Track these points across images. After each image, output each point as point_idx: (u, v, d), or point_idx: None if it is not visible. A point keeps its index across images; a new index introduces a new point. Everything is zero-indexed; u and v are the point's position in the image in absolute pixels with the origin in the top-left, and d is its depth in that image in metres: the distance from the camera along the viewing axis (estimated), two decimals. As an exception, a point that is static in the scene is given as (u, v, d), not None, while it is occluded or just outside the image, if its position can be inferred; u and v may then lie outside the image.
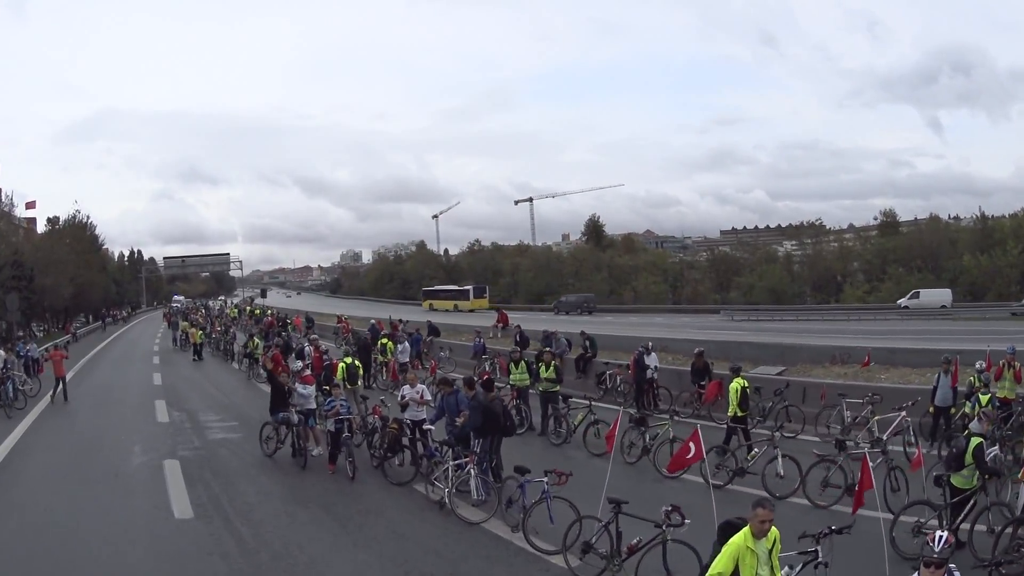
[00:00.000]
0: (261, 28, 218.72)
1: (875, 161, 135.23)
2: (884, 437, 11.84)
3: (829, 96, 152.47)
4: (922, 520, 8.17)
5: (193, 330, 34.02)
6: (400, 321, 30.44)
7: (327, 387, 14.06)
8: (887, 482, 9.52)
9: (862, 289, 58.52)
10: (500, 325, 34.62)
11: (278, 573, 7.94)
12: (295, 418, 12.80)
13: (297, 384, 13.44)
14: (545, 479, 8.59)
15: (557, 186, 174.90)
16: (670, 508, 6.98)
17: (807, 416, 14.25)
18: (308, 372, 15.16)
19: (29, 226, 57.19)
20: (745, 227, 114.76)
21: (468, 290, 66.54)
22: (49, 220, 61.28)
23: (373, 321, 30.33)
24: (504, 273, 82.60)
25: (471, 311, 59.55)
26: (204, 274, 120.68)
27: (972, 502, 8.16)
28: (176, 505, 10.21)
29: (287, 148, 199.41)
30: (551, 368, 14.52)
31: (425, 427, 11.70)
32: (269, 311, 50.42)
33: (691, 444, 7.87)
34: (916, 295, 46.43)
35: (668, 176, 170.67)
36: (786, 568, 6.07)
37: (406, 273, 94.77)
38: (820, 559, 6.33)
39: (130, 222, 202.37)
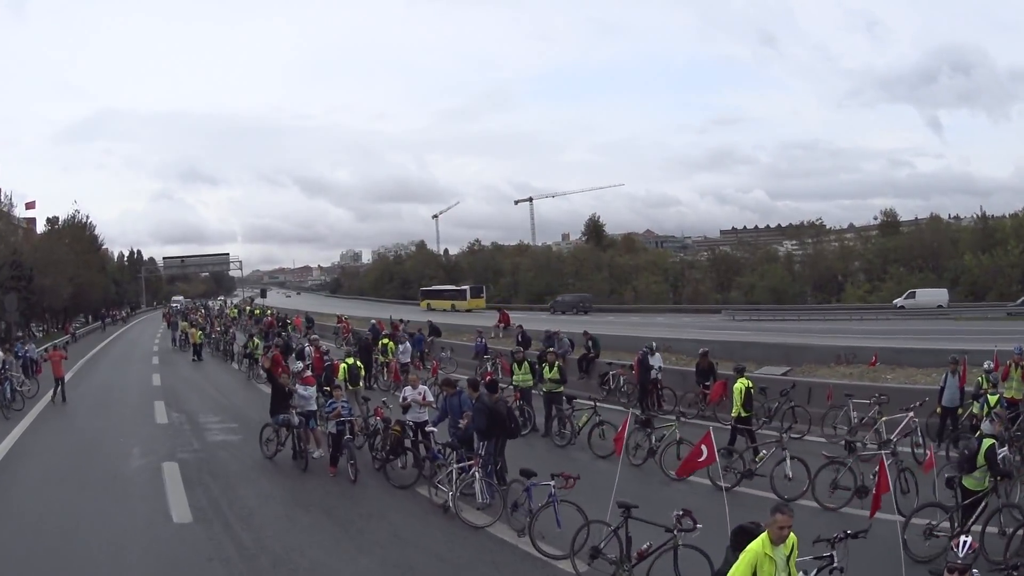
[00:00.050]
0: (261, 28, 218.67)
1: (875, 161, 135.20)
2: (892, 438, 11.69)
3: (829, 96, 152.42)
4: (933, 522, 8.08)
5: (193, 330, 33.87)
6: (401, 321, 30.28)
7: (328, 388, 13.90)
8: (897, 484, 9.37)
9: (863, 289, 58.44)
10: (501, 325, 34.46)
11: (279, 579, 7.78)
12: (296, 420, 12.63)
13: (298, 385, 13.28)
14: (552, 482, 8.42)
15: (557, 186, 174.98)
16: (681, 512, 6.82)
17: (813, 417, 14.10)
18: (309, 373, 14.99)
19: (28, 226, 57.02)
20: (745, 227, 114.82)
21: (465, 290, 67.07)
22: (48, 220, 61.26)
23: (374, 321, 30.17)
24: (504, 273, 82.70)
25: (468, 311, 60.17)
26: (204, 274, 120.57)
27: (984, 504, 8.07)
28: (175, 509, 10.04)
29: (287, 148, 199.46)
30: (555, 368, 14.36)
31: (428, 429, 11.52)
32: (269, 311, 50.32)
33: (703, 447, 7.69)
34: (912, 295, 46.46)
35: (668, 176, 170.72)
36: (801, 574, 5.91)
37: (406, 273, 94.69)
38: (835, 564, 6.20)
39: (130, 222, 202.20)
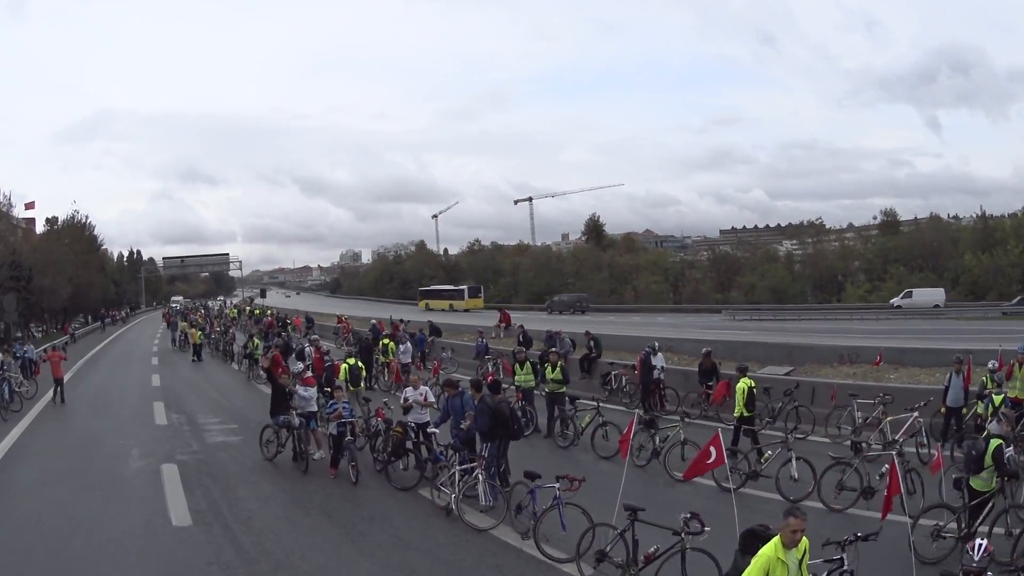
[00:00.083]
0: (260, 28, 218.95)
1: (874, 161, 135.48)
2: (898, 438, 11.61)
3: (828, 96, 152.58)
4: (941, 523, 8.02)
5: (192, 330, 33.76)
6: (401, 321, 30.18)
7: (329, 389, 13.79)
8: (904, 485, 9.26)
9: (864, 288, 58.43)
10: (502, 325, 34.34)
11: (280, 584, 7.68)
12: (296, 421, 12.51)
13: (298, 386, 13.16)
14: (557, 485, 8.31)
15: (556, 186, 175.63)
16: (689, 515, 6.71)
17: (817, 417, 14.02)
18: (309, 374, 14.88)
19: (28, 226, 56.89)
20: (745, 227, 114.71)
21: (463, 290, 67.47)
22: (48, 220, 61.09)
23: (374, 321, 30.06)
24: (504, 273, 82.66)
25: (466, 310, 60.70)
26: (203, 274, 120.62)
27: (990, 505, 8.02)
28: (174, 512, 9.92)
29: (286, 148, 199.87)
30: (557, 369, 14.25)
31: (430, 430, 11.41)
32: (269, 311, 50.24)
33: (712, 448, 7.57)
34: (909, 295, 46.54)
35: (667, 176, 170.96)
36: (811, 577, 5.83)
37: (406, 273, 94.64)
38: (846, 567, 6.12)
39: (129, 222, 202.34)
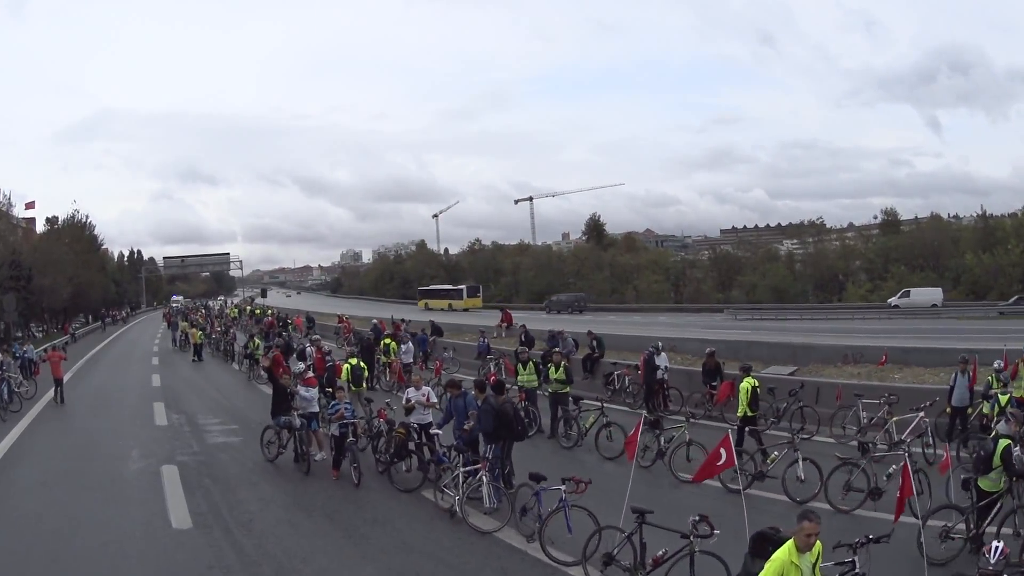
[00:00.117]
0: (260, 28, 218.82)
1: (874, 160, 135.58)
2: (906, 439, 11.51)
3: (828, 95, 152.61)
4: (949, 524, 7.96)
5: (193, 330, 33.68)
6: (402, 321, 30.08)
7: (330, 389, 13.68)
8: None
9: (865, 288, 58.39)
10: (504, 325, 34.22)
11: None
12: (297, 422, 12.40)
13: (299, 387, 13.05)
14: (563, 487, 8.20)
15: (556, 186, 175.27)
16: (698, 518, 6.61)
17: (821, 417, 13.92)
18: (311, 374, 14.77)
19: (28, 226, 56.84)
20: (745, 226, 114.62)
21: (462, 289, 67.83)
22: (48, 220, 61.12)
23: (375, 321, 29.98)
24: (505, 272, 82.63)
25: (465, 310, 60.96)
26: (204, 274, 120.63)
27: (999, 505, 7.99)
28: (174, 514, 9.81)
29: (286, 148, 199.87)
30: (561, 369, 14.15)
31: (432, 431, 11.30)
32: (269, 311, 50.16)
33: (722, 450, 7.46)
34: (906, 294, 46.55)
35: (667, 175, 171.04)
36: (823, 580, 5.73)
37: (406, 273, 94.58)
38: (857, 570, 6.03)
39: (129, 222, 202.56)
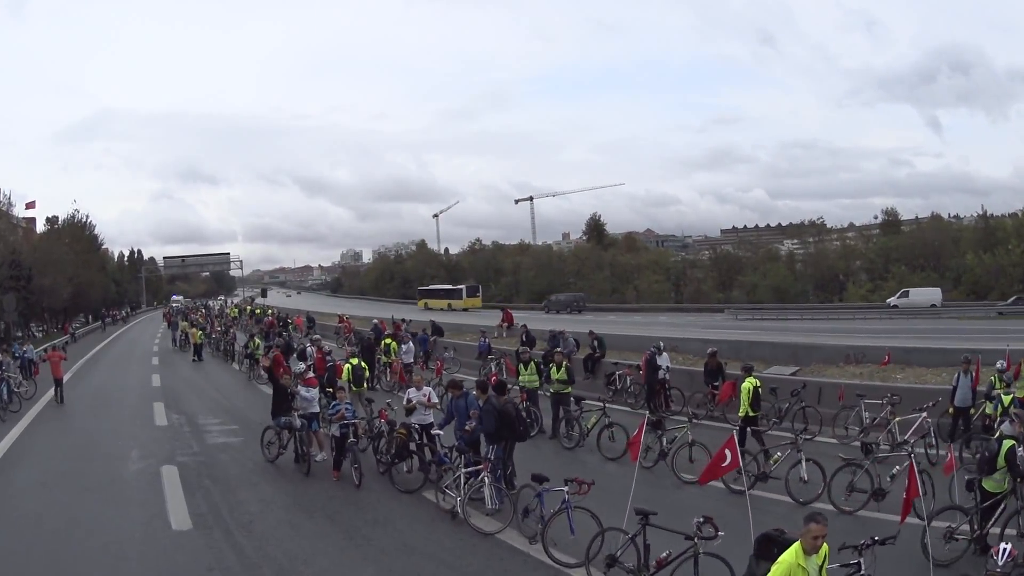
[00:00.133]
0: (260, 28, 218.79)
1: (874, 160, 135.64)
2: (910, 439, 11.47)
3: (828, 95, 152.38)
4: (953, 525, 7.92)
5: (193, 330, 33.62)
6: (403, 320, 30.03)
7: (331, 389, 13.62)
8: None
9: (866, 288, 58.40)
10: (505, 325, 34.16)
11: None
12: (298, 422, 12.33)
13: (300, 387, 12.99)
14: (565, 488, 8.15)
15: (557, 185, 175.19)
16: (702, 519, 6.56)
17: (824, 417, 13.87)
18: (311, 374, 14.71)
19: (28, 226, 56.82)
20: (745, 226, 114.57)
21: (461, 289, 68.03)
22: (48, 220, 61.15)
23: (376, 321, 29.93)
24: (506, 272, 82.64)
25: (464, 310, 61.08)
26: (204, 274, 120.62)
27: (1002, 506, 7.95)
28: (174, 515, 9.75)
29: (286, 148, 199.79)
30: (563, 369, 14.09)
31: (434, 432, 11.25)
32: (270, 311, 50.12)
33: (727, 451, 7.40)
34: (905, 294, 46.55)
35: (667, 175, 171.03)
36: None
37: (407, 272, 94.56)
38: (863, 571, 5.97)
39: (129, 222, 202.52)
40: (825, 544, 5.16)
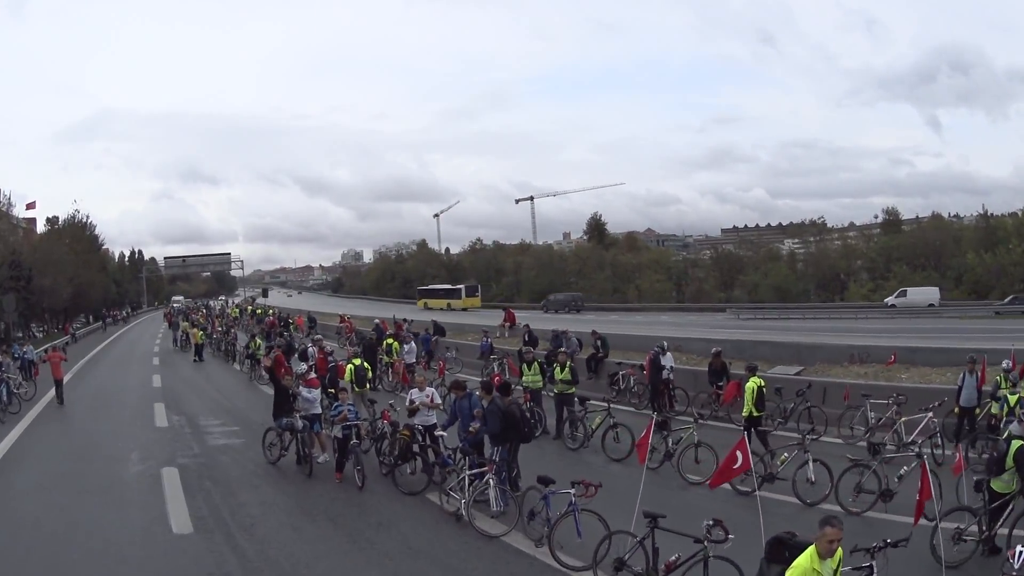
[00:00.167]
0: (260, 28, 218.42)
1: (874, 160, 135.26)
2: (917, 440, 11.38)
3: (828, 95, 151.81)
4: (962, 526, 7.86)
5: (194, 330, 33.52)
6: (404, 320, 29.94)
7: (332, 390, 13.52)
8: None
9: (867, 287, 58.38)
10: (507, 324, 34.09)
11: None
12: (300, 423, 12.23)
13: (302, 387, 12.88)
14: (572, 491, 8.05)
15: (557, 185, 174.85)
16: (712, 522, 6.47)
17: (829, 417, 13.79)
18: (312, 375, 14.60)
19: (28, 226, 56.75)
20: (746, 225, 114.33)
21: (460, 289, 68.16)
22: (48, 220, 61.06)
23: (377, 321, 29.84)
24: (507, 272, 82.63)
25: (464, 309, 61.21)
26: (205, 274, 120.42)
27: (1011, 507, 7.86)
28: (174, 518, 9.65)
29: (287, 148, 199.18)
30: (566, 369, 13.99)
31: (437, 433, 11.15)
32: (271, 311, 50.04)
33: (738, 453, 7.30)
34: (903, 294, 46.53)
35: (668, 175, 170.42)
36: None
37: (408, 272, 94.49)
38: (875, 574, 5.85)
39: (130, 222, 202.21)
40: (839, 548, 5.08)
